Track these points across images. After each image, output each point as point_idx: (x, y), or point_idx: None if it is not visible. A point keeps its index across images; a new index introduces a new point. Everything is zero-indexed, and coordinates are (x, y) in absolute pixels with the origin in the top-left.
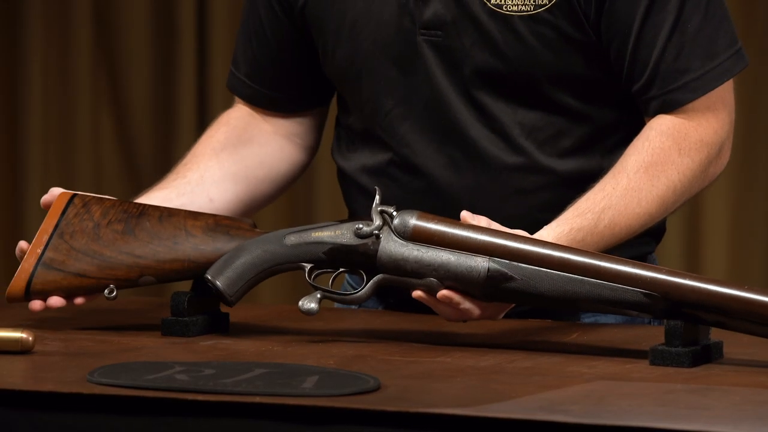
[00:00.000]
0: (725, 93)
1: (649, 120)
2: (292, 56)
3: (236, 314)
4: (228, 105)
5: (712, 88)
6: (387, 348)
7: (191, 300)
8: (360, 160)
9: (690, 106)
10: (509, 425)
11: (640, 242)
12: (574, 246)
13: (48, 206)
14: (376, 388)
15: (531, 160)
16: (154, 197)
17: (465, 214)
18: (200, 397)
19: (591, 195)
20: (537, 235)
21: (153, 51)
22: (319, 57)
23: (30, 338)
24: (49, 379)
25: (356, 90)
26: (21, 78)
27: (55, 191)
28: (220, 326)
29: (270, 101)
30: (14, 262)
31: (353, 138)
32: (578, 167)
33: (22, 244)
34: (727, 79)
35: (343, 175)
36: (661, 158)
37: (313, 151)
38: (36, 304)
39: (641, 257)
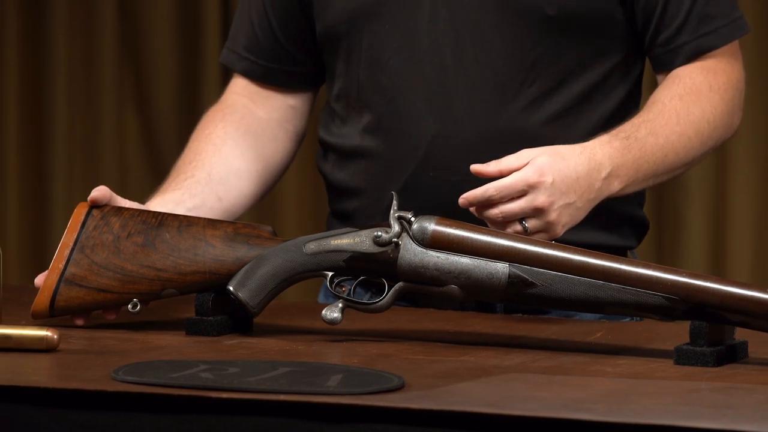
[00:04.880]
0: (739, 50)
1: (673, 70)
2: (289, 29)
3: (260, 313)
4: None
5: (737, 37)
6: (411, 347)
7: (215, 300)
8: (356, 124)
9: (717, 51)
10: (533, 424)
11: (621, 235)
12: (618, 147)
13: (95, 201)
14: (400, 387)
15: (527, 108)
16: (168, 199)
17: (475, 168)
18: (224, 395)
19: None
20: (587, 145)
21: (178, 49)
22: (315, 15)
23: (55, 336)
24: (73, 377)
25: (356, 42)
26: (46, 76)
27: (102, 189)
28: (244, 325)
29: (266, 73)
30: (39, 259)
31: (346, 105)
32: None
33: (38, 280)
34: (745, 33)
35: (335, 151)
36: (694, 90)
37: (300, 139)
38: (79, 322)
39: (622, 250)
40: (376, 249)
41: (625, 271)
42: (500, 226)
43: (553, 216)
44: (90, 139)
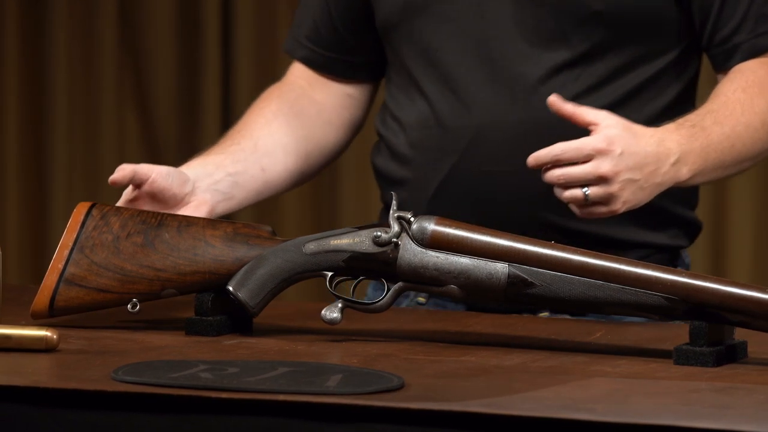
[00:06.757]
0: None
1: (729, 70)
2: (349, 19)
3: (260, 313)
4: (253, 101)
5: None
6: (411, 347)
7: (215, 300)
8: (407, 115)
9: None
10: (533, 424)
11: (670, 235)
12: (685, 135)
13: (114, 183)
14: (400, 387)
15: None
16: (209, 161)
17: (553, 98)
18: (224, 395)
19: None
20: (657, 130)
21: (177, 50)
22: (374, 6)
23: (54, 336)
24: (73, 377)
25: (407, 33)
26: (47, 77)
27: (126, 167)
28: (244, 325)
29: (325, 62)
30: (39, 259)
31: (398, 96)
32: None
33: None
34: None
35: (386, 142)
36: (757, 83)
37: (356, 128)
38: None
39: (673, 249)
40: (375, 249)
41: (624, 271)
42: (561, 190)
43: (615, 187)
44: (90, 139)
